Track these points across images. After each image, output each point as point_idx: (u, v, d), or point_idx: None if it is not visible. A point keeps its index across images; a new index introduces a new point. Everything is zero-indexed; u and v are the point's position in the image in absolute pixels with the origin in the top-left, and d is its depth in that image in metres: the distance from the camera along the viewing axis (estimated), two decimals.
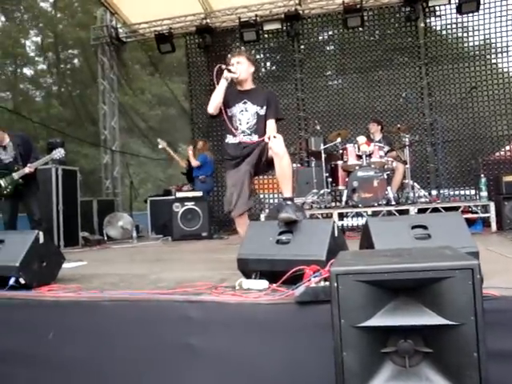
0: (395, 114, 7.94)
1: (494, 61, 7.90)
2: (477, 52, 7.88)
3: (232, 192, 3.25)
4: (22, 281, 2.56)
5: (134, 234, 7.39)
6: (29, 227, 4.93)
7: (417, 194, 6.17)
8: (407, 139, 6.05)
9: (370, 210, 5.71)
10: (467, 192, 7.39)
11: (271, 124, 3.30)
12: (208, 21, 8.60)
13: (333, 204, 6.51)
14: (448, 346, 1.36)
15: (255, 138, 3.27)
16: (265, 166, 3.17)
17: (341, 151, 6.16)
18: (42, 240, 2.77)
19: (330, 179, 6.28)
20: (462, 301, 1.35)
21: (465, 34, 7.89)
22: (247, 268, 2.45)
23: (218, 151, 8.03)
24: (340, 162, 6.10)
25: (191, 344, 2.06)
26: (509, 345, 1.70)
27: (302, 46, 8.70)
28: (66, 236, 6.27)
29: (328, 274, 1.91)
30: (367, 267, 1.43)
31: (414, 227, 2.40)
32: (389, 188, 5.73)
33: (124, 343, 2.16)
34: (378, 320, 1.40)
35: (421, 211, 5.31)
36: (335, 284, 1.41)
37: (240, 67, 3.28)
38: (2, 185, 4.84)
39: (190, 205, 6.58)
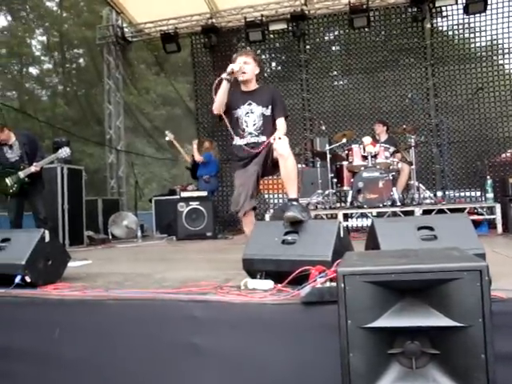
0: (401, 115, 7.92)
1: (500, 62, 7.86)
2: (483, 53, 7.84)
3: (240, 192, 3.25)
4: (27, 279, 2.57)
5: (139, 234, 7.41)
6: (34, 226, 4.95)
7: (422, 196, 6.14)
8: (413, 140, 6.03)
9: (375, 211, 5.69)
10: (473, 194, 7.35)
11: (281, 122, 3.29)
12: (214, 20, 8.61)
13: (338, 205, 6.50)
14: (455, 348, 1.35)
15: (263, 138, 3.26)
16: (271, 167, 3.17)
17: (346, 152, 6.14)
18: (47, 238, 2.78)
19: (335, 180, 6.26)
20: (469, 302, 1.34)
21: (472, 35, 7.86)
22: (252, 268, 2.44)
23: (223, 151, 8.05)
24: (345, 163, 6.09)
25: (196, 344, 2.05)
26: None
27: (308, 47, 8.69)
28: (71, 235, 6.30)
29: (334, 274, 1.91)
30: (374, 268, 1.42)
31: (420, 228, 2.39)
32: (394, 189, 5.70)
33: (129, 342, 2.16)
34: (385, 321, 1.39)
35: (426, 212, 5.29)
36: (342, 285, 1.40)
37: (247, 67, 3.28)
38: (8, 183, 4.86)
39: (194, 204, 6.58)
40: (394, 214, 5.51)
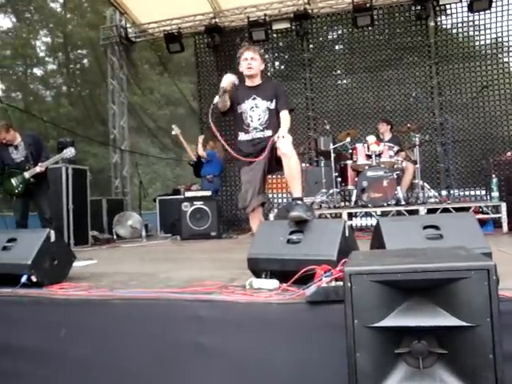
0: (405, 114, 7.88)
1: (505, 59, 7.82)
2: (488, 51, 7.80)
3: (247, 189, 3.26)
4: (33, 279, 2.57)
5: (143, 233, 7.43)
6: (40, 226, 4.97)
7: (426, 194, 6.12)
8: (417, 139, 6.00)
9: (379, 210, 5.67)
10: (478, 192, 7.32)
11: (285, 115, 3.28)
12: (217, 20, 8.61)
13: (342, 204, 6.48)
14: (463, 348, 1.34)
15: (268, 133, 3.26)
16: (275, 164, 3.16)
17: (350, 151, 6.13)
18: (53, 238, 2.79)
19: (339, 179, 6.25)
20: (477, 302, 1.33)
21: (476, 33, 7.81)
22: (257, 267, 2.44)
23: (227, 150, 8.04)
24: (349, 162, 6.08)
25: (201, 343, 2.05)
26: None
27: (311, 46, 8.67)
28: (75, 235, 6.32)
29: (339, 273, 1.91)
30: (381, 267, 1.41)
31: (425, 227, 2.37)
32: (398, 188, 5.68)
33: (134, 342, 2.17)
34: (392, 320, 1.38)
35: (431, 211, 5.27)
36: (349, 284, 1.40)
37: (254, 63, 3.31)
38: (14, 184, 4.88)
39: (198, 204, 6.58)
40: (399, 213, 5.50)
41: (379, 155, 5.78)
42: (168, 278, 2.89)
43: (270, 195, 7.55)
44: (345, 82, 8.76)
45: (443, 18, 8.05)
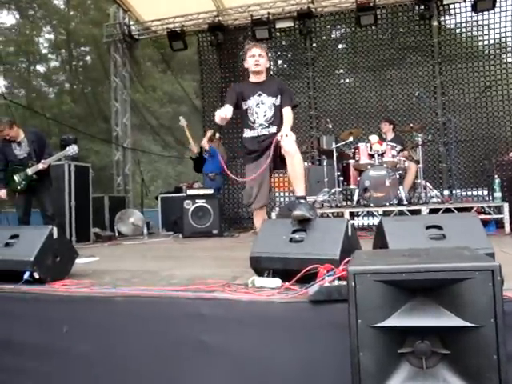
0: (408, 114, 7.87)
1: (509, 60, 7.79)
2: (491, 51, 7.78)
3: (252, 185, 3.26)
4: (36, 275, 2.58)
5: (145, 231, 7.43)
6: (42, 223, 4.97)
7: (429, 194, 6.11)
8: (420, 139, 6.00)
9: (381, 210, 5.67)
10: (480, 193, 7.30)
11: (287, 111, 3.29)
12: (220, 18, 8.60)
13: (344, 203, 6.48)
14: (466, 348, 1.34)
15: (273, 129, 3.26)
16: (280, 161, 3.16)
17: (353, 150, 6.12)
18: (55, 235, 2.79)
19: (341, 178, 6.25)
20: (481, 302, 1.32)
21: (479, 33, 7.79)
22: (260, 266, 2.44)
23: (229, 149, 8.05)
24: (352, 161, 6.07)
25: (203, 341, 2.05)
26: None
27: (314, 44, 8.66)
28: (77, 232, 6.34)
29: (342, 273, 1.90)
30: (385, 267, 1.41)
31: (428, 227, 2.37)
32: (401, 188, 5.68)
33: (136, 339, 2.17)
34: (395, 320, 1.38)
35: (433, 211, 5.26)
36: (353, 283, 1.39)
37: (261, 60, 3.34)
38: (17, 180, 4.89)
39: (200, 202, 6.59)
40: (401, 213, 5.49)
41: (382, 155, 5.77)
42: (170, 275, 2.89)
43: (272, 194, 7.54)
44: (348, 81, 8.74)
45: (447, 17, 8.03)
